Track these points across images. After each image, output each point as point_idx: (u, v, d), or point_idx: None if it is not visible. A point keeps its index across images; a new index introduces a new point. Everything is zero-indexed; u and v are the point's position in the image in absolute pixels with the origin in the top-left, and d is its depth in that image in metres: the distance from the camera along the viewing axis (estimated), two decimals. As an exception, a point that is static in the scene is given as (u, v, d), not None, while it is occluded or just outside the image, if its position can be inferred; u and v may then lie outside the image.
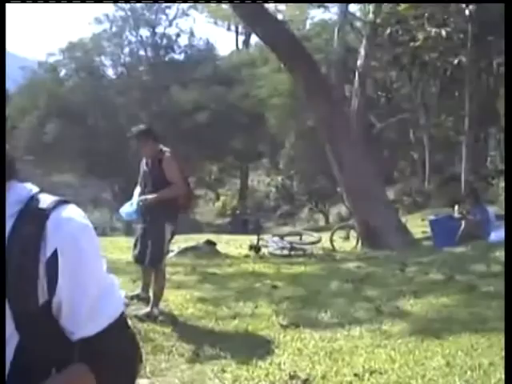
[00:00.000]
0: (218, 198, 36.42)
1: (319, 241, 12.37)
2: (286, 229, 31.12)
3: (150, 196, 5.89)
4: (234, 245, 14.03)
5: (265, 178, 36.79)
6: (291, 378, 4.60)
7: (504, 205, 5.15)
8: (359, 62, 14.15)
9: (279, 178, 34.46)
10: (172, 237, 6.10)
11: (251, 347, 5.36)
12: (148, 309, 5.95)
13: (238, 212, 33.18)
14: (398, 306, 6.50)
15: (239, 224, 27.13)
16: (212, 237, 17.80)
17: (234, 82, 26.84)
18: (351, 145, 12.68)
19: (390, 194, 28.12)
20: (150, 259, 5.92)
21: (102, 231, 19.60)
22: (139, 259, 6.07)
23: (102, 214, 24.89)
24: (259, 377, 4.67)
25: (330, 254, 11.32)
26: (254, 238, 12.68)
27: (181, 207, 6.08)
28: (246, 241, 13.07)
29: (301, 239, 12.70)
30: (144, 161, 6.08)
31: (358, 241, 13.18)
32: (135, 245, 6.08)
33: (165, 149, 6.01)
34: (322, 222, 32.44)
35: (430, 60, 25.39)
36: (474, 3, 16.93)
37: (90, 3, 28.02)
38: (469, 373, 4.43)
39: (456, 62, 24.61)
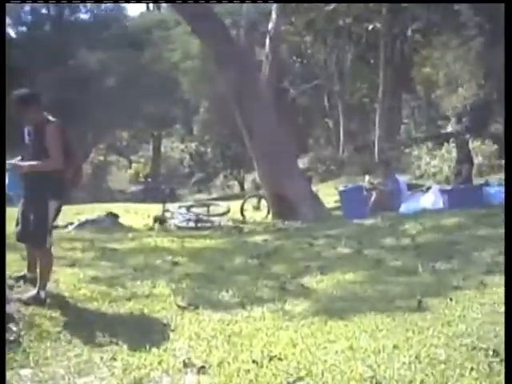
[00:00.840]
0: (130, 165, 35.70)
1: (227, 212, 12.01)
2: (201, 196, 30.75)
3: (21, 163, 5.34)
4: (143, 215, 13.54)
5: (178, 145, 36.24)
6: (186, 365, 4.23)
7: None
8: (270, 26, 13.69)
9: (193, 145, 33.97)
10: (57, 214, 5.57)
11: (145, 332, 4.95)
12: (34, 291, 5.43)
13: (149, 179, 32.56)
14: (303, 283, 6.20)
15: (152, 191, 26.53)
16: (123, 206, 17.29)
17: (145, 45, 25.95)
18: (262, 111, 12.30)
19: (304, 161, 28.10)
20: (32, 238, 5.39)
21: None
22: (21, 238, 5.51)
23: None
24: (152, 364, 4.28)
25: (237, 226, 10.94)
26: (167, 206, 12.23)
27: (67, 182, 5.55)
28: (156, 210, 12.57)
29: (208, 210, 12.30)
30: (26, 129, 5.48)
31: (268, 211, 12.90)
32: (17, 221, 5.53)
33: (50, 118, 5.44)
34: (237, 190, 32.21)
35: (345, 25, 25.22)
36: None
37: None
38: (372, 357, 4.16)
39: (371, 27, 24.51)
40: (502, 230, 7.86)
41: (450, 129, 35.17)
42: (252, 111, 11.97)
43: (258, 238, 9.01)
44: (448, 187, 10.93)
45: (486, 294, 5.22)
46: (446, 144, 19.69)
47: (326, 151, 29.09)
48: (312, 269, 6.70)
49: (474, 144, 19.41)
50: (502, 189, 10.34)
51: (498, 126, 36.15)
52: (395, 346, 4.32)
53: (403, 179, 13.25)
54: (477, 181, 14.48)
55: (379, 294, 5.64)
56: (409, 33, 27.60)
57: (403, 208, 10.73)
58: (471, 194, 10.12)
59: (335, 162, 26.67)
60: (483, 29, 25.67)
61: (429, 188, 13.56)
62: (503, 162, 19.93)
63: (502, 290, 5.19)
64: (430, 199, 10.67)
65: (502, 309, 4.73)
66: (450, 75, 32.48)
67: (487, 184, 12.89)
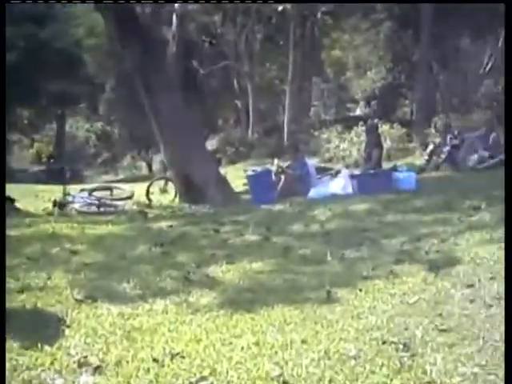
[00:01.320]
0: (32, 145, 34.46)
1: (131, 196, 11.60)
2: (108, 177, 30.00)
3: None
4: (43, 198, 12.94)
5: (84, 124, 35.22)
6: (80, 365, 3.89)
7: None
8: (177, 4, 13.28)
9: (99, 124, 33.08)
10: None
11: (38, 328, 4.57)
12: None
13: (52, 160, 31.50)
14: (208, 273, 5.93)
15: (55, 172, 25.58)
16: (24, 187, 16.54)
17: (47, 20, 24.87)
18: (168, 92, 11.90)
19: (213, 143, 27.81)
20: None
21: None
22: None
23: None
24: (43, 365, 3.91)
25: (142, 210, 10.54)
26: (69, 188, 11.72)
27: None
28: (58, 193, 11.99)
29: (112, 194, 11.84)
30: None
31: (176, 194, 12.56)
32: None
33: None
34: (145, 171, 31.65)
35: (254, 6, 24.99)
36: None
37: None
38: (279, 353, 3.94)
39: (280, 9, 24.35)
40: (411, 216, 7.89)
41: (358, 112, 35.69)
42: (157, 92, 11.56)
43: (163, 224, 8.66)
44: (357, 172, 10.88)
45: (395, 284, 5.07)
46: (355, 127, 19.77)
47: (236, 133, 28.83)
48: (218, 257, 6.43)
49: (382, 128, 19.59)
50: (412, 174, 10.37)
51: (406, 110, 36.99)
52: (303, 341, 4.11)
53: (312, 163, 13.15)
54: (386, 165, 14.58)
55: (287, 285, 5.43)
56: (318, 15, 27.62)
57: (312, 193, 10.59)
58: (380, 179, 10.09)
59: (244, 143, 26.46)
60: (392, 13, 25.98)
61: (338, 172, 13.51)
62: (411, 145, 20.36)
63: (411, 280, 5.08)
64: (340, 184, 10.58)
65: (412, 299, 4.62)
66: (359, 58, 32.83)
67: (395, 169, 12.96)
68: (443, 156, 14.08)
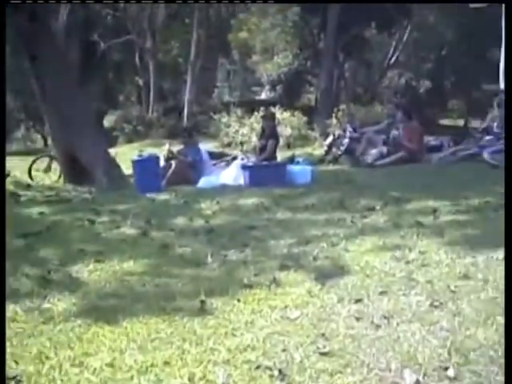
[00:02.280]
0: None
1: (7, 175, 10.71)
2: (-2, 149, 28.40)
3: None
4: None
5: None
6: None
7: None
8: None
9: (-9, 93, 31.31)
10: None
11: None
12: None
13: None
14: (71, 272, 5.26)
15: None
16: None
17: None
18: (57, 66, 11.04)
19: (111, 120, 26.79)
20: None
21: None
22: None
23: None
24: None
25: (16, 193, 9.66)
26: None
27: None
28: None
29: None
30: None
31: (60, 175, 11.72)
32: None
33: None
34: (40, 144, 30.31)
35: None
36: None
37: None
38: (135, 379, 3.37)
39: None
40: (302, 215, 7.44)
41: (264, 96, 35.37)
42: (42, 62, 10.67)
43: (34, 211, 7.88)
44: (249, 163, 10.31)
45: (277, 294, 4.56)
46: (255, 113, 19.27)
47: (135, 111, 27.81)
48: (87, 254, 5.77)
49: (283, 115, 19.23)
50: (307, 168, 9.94)
51: (310, 96, 36.99)
52: (166, 363, 3.55)
53: (206, 148, 12.58)
54: (284, 153, 14.19)
55: (159, 290, 4.83)
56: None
57: (202, 182, 9.98)
58: (274, 171, 9.59)
59: (143, 122, 25.52)
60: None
61: (234, 158, 13.02)
62: (312, 134, 20.09)
63: (295, 290, 4.58)
64: (231, 174, 10.02)
65: (294, 314, 4.11)
66: (267, 42, 32.50)
67: (293, 158, 12.55)
68: (342, 148, 13.78)
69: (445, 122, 31.67)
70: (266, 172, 9.59)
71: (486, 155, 10.22)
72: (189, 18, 26.81)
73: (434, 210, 6.82)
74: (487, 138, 11.90)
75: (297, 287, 4.67)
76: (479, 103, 38.12)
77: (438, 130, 19.14)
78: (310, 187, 9.21)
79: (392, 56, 30.92)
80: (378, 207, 7.30)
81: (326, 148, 14.43)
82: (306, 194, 8.60)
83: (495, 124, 15.33)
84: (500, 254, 4.90)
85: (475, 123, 34.65)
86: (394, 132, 12.36)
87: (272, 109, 18.27)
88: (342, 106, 20.14)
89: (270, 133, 11.27)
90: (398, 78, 34.97)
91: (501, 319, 3.75)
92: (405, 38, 30.14)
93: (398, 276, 4.69)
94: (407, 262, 4.99)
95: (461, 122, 34.11)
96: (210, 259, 5.55)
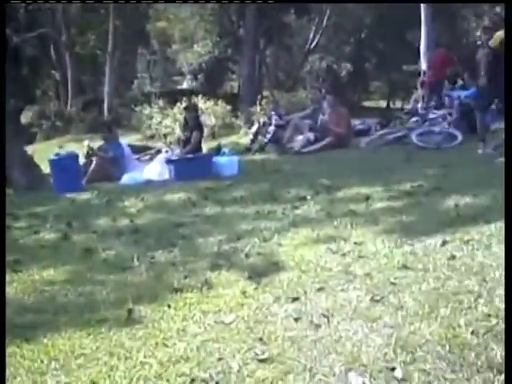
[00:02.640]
0: None
1: None
2: None
3: None
4: None
5: None
6: None
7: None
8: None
9: None
10: None
11: None
12: None
13: None
14: (-15, 286, 4.85)
15: None
16: None
17: None
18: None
19: (28, 116, 25.83)
20: None
21: None
22: None
23: None
24: None
25: None
26: None
27: None
28: None
29: None
30: None
31: (-26, 176, 11.07)
32: None
33: None
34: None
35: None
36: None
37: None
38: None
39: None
40: (231, 209, 7.16)
41: (185, 85, 34.89)
42: None
43: None
44: (174, 157, 9.93)
45: (210, 297, 4.30)
46: (178, 104, 18.82)
47: (53, 105, 26.88)
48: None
49: (206, 104, 18.86)
50: (234, 158, 9.68)
51: (233, 84, 36.71)
52: (93, 383, 3.25)
53: (127, 142, 12.17)
54: (210, 144, 13.89)
55: (82, 300, 4.48)
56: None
57: (125, 179, 9.57)
58: (200, 164, 9.24)
59: (61, 117, 24.64)
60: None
61: (159, 151, 12.66)
62: (237, 123, 19.78)
63: (228, 292, 4.33)
64: (155, 169, 9.63)
65: (229, 318, 3.86)
66: (186, 31, 32.03)
67: (219, 148, 12.27)
68: (268, 136, 13.58)
69: (367, 103, 31.95)
70: (192, 165, 9.25)
71: (413, 137, 10.17)
72: (104, 9, 26.03)
73: (367, 197, 6.63)
74: (413, 119, 11.91)
75: (230, 288, 4.41)
76: (400, 84, 38.84)
77: (362, 112, 19.12)
78: (237, 179, 8.95)
79: (312, 40, 30.94)
80: (308, 197, 7.08)
81: (251, 136, 14.19)
82: (233, 186, 8.34)
83: (419, 105, 15.44)
84: (438, 240, 4.77)
85: (399, 104, 35.33)
86: (321, 117, 12.21)
87: (195, 99, 17.92)
88: (266, 93, 19.91)
89: (193, 124, 10.92)
90: (320, 62, 35.08)
91: (444, 311, 3.59)
92: (324, 23, 30.17)
93: (334, 270, 4.47)
94: (343, 255, 4.78)
95: (383, 104, 34.54)
96: (136, 262, 5.23)
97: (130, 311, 4.10)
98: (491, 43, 8.72)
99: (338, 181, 7.84)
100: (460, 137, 9.98)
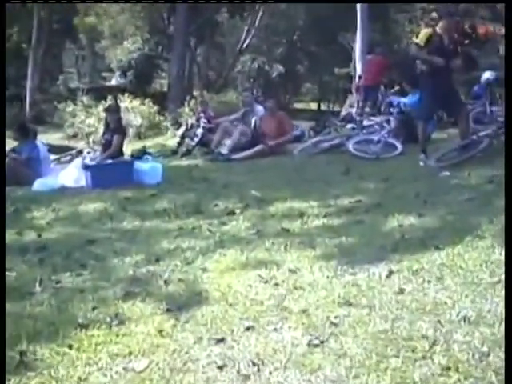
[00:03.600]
0: None
1: None
2: None
3: None
4: None
5: None
6: None
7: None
8: None
9: None
10: None
11: None
12: None
13: None
14: None
15: None
16: None
17: None
18: None
19: None
20: None
21: None
22: None
23: None
24: None
25: None
26: None
27: None
28: None
29: None
30: None
31: None
32: None
33: None
34: None
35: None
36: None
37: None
38: None
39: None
40: (152, 223, 6.49)
41: (114, 82, 33.92)
42: None
43: None
44: (92, 162, 9.12)
45: (120, 335, 3.64)
46: (103, 102, 17.97)
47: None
48: None
49: (133, 103, 18.09)
50: (157, 165, 8.99)
51: (163, 82, 35.87)
52: None
53: (45, 141, 11.31)
54: (134, 145, 13.18)
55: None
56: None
57: (37, 185, 8.70)
58: (119, 170, 8.43)
59: (-20, 113, 23.34)
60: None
61: (80, 152, 11.89)
62: (165, 123, 19.02)
63: (141, 329, 3.68)
64: (72, 175, 8.77)
65: (141, 365, 3.23)
66: (115, 27, 31.17)
67: (144, 152, 11.59)
68: (196, 139, 12.97)
69: (299, 106, 31.71)
70: (111, 171, 8.46)
71: (350, 146, 9.61)
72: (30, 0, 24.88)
73: (301, 214, 5.99)
74: (348, 126, 11.44)
75: (144, 324, 3.77)
76: (331, 87, 38.89)
77: (294, 114, 18.59)
78: (161, 188, 8.18)
79: (245, 40, 30.50)
80: (237, 211, 6.43)
81: (178, 139, 13.55)
82: (156, 196, 7.58)
83: (354, 110, 15.09)
84: (383, 269, 4.21)
85: (330, 106, 35.11)
86: (255, 121, 11.60)
87: (121, 97, 17.11)
88: (196, 93, 19.25)
89: (114, 127, 10.16)
90: (251, 63, 34.79)
91: (395, 361, 3.05)
92: (257, 23, 29.75)
93: (266, 304, 3.87)
94: (276, 285, 4.17)
95: (314, 106, 34.40)
96: (38, 288, 4.51)
97: (22, 354, 3.42)
98: (418, 40, 8.19)
99: (270, 193, 7.21)
100: (400, 147, 9.45)
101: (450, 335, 3.25)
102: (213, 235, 5.60)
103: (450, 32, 8.36)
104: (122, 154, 10.00)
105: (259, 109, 12.02)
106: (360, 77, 16.15)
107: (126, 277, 4.67)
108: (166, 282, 4.46)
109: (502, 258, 4.10)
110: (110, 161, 9.23)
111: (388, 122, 11.15)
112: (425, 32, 8.22)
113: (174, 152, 13.02)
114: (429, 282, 3.93)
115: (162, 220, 6.34)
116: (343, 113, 15.92)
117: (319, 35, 31.47)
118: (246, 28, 30.78)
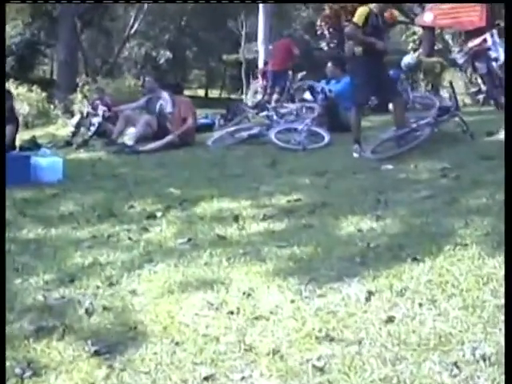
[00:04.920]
0: None
1: None
2: None
3: None
4: None
5: None
6: None
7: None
8: None
9: None
10: None
11: None
12: None
13: None
14: None
15: None
16: None
17: None
18: None
19: None
20: None
21: None
22: None
23: None
24: None
25: None
26: None
27: None
28: None
29: None
30: None
31: None
32: None
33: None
34: None
35: None
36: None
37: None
38: None
39: None
40: (58, 231, 5.50)
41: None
42: None
43: None
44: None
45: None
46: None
47: None
48: None
49: (18, 90, 16.61)
50: (58, 160, 7.87)
51: (46, 68, 33.99)
52: None
53: None
54: (23, 135, 11.89)
55: None
56: None
57: None
58: (13, 166, 7.13)
59: None
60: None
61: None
62: (55, 111, 17.56)
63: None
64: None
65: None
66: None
67: (36, 143, 10.42)
68: (93, 129, 11.86)
69: (187, 92, 30.83)
70: (7, 167, 7.25)
71: (272, 136, 8.70)
72: None
73: (235, 217, 5.14)
74: (262, 114, 10.58)
75: (67, 374, 2.92)
76: (219, 73, 38.26)
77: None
78: (62, 186, 7.09)
79: (133, 25, 29.33)
80: (158, 213, 5.54)
81: (73, 129, 12.35)
82: (59, 196, 6.50)
83: (259, 97, 14.40)
84: (358, 288, 3.45)
85: (217, 93, 34.36)
86: (160, 109, 10.60)
87: (6, 84, 15.60)
88: (87, 79, 17.95)
89: (7, 116, 8.92)
90: (139, 49, 33.81)
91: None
92: (145, 7, 28.62)
93: (224, 341, 3.05)
94: (230, 313, 3.33)
95: (201, 92, 33.67)
96: None
97: None
98: (355, 20, 7.32)
99: (191, 191, 6.29)
100: (327, 136, 8.59)
101: (473, 382, 2.56)
102: (135, 245, 4.67)
103: (382, 12, 7.73)
104: (14, 147, 8.81)
105: (164, 95, 11.00)
106: (266, 62, 15.38)
107: (35, 304, 3.72)
108: (87, 311, 3.55)
109: (497, 270, 3.47)
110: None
111: (306, 108, 10.44)
112: (362, 10, 7.29)
113: (68, 143, 11.84)
114: (420, 305, 3.21)
115: (70, 226, 5.30)
116: (248, 100, 15.15)
117: (207, 20, 30.97)
118: (133, 13, 29.60)
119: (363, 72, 7.31)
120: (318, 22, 19.11)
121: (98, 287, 3.87)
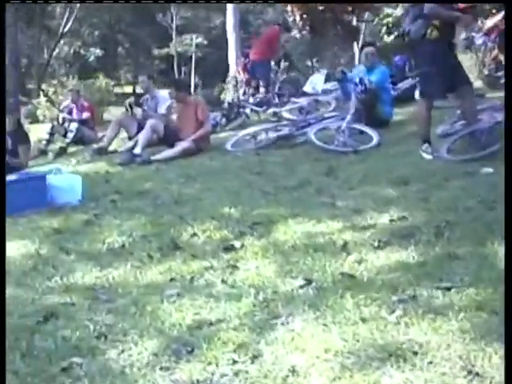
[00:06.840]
0: None
1: None
2: None
3: None
4: None
5: None
6: None
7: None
8: None
9: None
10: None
11: None
12: None
13: None
14: None
15: None
16: None
17: None
18: None
19: None
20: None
21: None
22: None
23: None
24: None
25: None
26: None
27: None
28: None
29: None
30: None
31: None
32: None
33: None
34: None
35: None
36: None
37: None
38: None
39: None
40: (116, 273, 4.35)
41: None
42: None
43: None
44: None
45: None
46: None
47: None
48: None
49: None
50: (78, 177, 6.70)
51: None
52: None
53: None
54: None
55: None
56: None
57: None
58: (31, 187, 5.88)
59: None
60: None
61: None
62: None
63: None
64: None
65: None
66: None
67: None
68: (71, 135, 10.80)
69: (117, 90, 29.69)
70: (24, 190, 5.97)
71: (312, 137, 7.52)
72: None
73: (344, 245, 4.10)
74: (270, 111, 9.62)
75: None
76: (148, 68, 37.24)
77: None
78: (87, 208, 5.89)
79: (66, 23, 28.29)
80: (237, 243, 4.36)
81: (47, 136, 11.23)
82: (93, 223, 5.32)
83: (240, 92, 13.43)
84: None
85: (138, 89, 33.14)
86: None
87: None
88: (53, 82, 16.59)
89: (18, 137, 7.89)
90: (69, 48, 32.94)
91: None
92: (77, 5, 27.63)
93: None
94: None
95: (129, 89, 32.96)
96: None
97: None
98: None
99: (251, 210, 5.16)
100: (376, 135, 7.47)
101: None
102: (237, 291, 3.53)
103: None
104: (26, 165, 7.59)
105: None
106: (247, 54, 14.26)
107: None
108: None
109: None
110: (22, 174, 6.79)
111: (315, 102, 9.50)
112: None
113: (43, 152, 10.71)
114: None
115: (131, 265, 4.14)
116: (228, 97, 14.08)
117: (136, 15, 30.50)
118: (67, 10, 28.50)
119: (437, 59, 6.24)
120: (289, 8, 18.21)
121: (234, 362, 2.82)
